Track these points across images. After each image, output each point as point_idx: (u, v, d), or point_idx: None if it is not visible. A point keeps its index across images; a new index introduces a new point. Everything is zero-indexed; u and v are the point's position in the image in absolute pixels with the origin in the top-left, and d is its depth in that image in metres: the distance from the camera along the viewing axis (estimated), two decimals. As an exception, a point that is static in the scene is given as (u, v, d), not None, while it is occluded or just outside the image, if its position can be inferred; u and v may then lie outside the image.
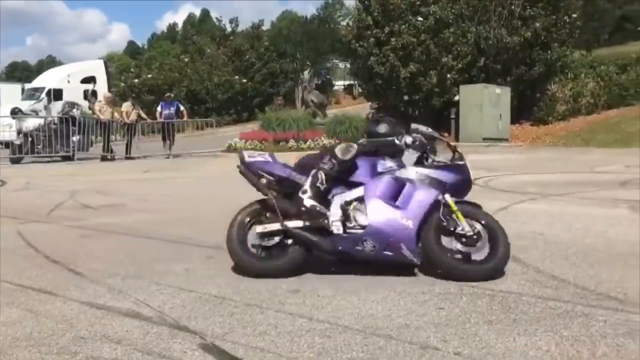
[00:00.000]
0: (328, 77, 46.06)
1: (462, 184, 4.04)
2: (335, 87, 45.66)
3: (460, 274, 3.72)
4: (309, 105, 20.86)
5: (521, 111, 21.63)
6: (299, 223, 3.88)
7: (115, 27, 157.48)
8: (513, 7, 21.17)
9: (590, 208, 6.77)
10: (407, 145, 4.03)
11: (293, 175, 4.00)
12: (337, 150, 3.96)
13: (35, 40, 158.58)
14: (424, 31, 19.81)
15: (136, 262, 4.44)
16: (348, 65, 38.09)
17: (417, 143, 4.05)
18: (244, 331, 2.93)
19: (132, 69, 38.77)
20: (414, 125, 4.15)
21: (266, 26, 43.73)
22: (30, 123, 19.40)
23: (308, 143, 17.79)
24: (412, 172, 3.97)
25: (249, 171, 4.04)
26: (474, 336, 2.82)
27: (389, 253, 3.78)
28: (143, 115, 18.87)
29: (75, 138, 16.17)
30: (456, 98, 21.11)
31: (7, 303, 3.45)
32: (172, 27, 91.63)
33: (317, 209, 3.82)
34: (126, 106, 18.60)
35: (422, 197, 3.86)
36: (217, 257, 4.56)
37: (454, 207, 3.87)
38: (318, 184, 3.87)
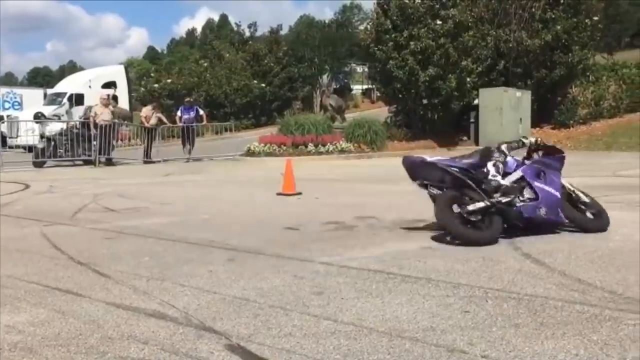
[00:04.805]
0: (346, 81, 46.15)
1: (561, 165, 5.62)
2: (354, 91, 45.73)
3: (592, 227, 5.37)
4: (328, 109, 20.89)
5: (542, 115, 21.42)
6: (501, 199, 5.06)
7: (134, 32, 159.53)
8: (533, 10, 21.01)
9: (614, 212, 6.63)
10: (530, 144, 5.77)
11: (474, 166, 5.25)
12: (505, 148, 5.51)
13: (55, 46, 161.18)
14: (443, 35, 19.73)
15: (160, 264, 4.47)
16: (366, 69, 38.16)
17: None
18: (269, 332, 2.94)
19: (151, 74, 39.09)
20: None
21: (284, 31, 43.96)
22: (53, 127, 19.66)
23: (327, 147, 17.74)
24: (536, 161, 5.57)
25: (434, 167, 5.12)
26: (501, 340, 2.79)
27: (552, 217, 5.20)
28: (164, 119, 19.00)
29: (95, 142, 16.31)
30: (475, 102, 20.97)
31: (35, 303, 3.50)
32: (191, 32, 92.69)
33: (510, 186, 5.18)
34: (146, 110, 18.77)
35: (555, 178, 5.38)
36: (238, 259, 4.59)
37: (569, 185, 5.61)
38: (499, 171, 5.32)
